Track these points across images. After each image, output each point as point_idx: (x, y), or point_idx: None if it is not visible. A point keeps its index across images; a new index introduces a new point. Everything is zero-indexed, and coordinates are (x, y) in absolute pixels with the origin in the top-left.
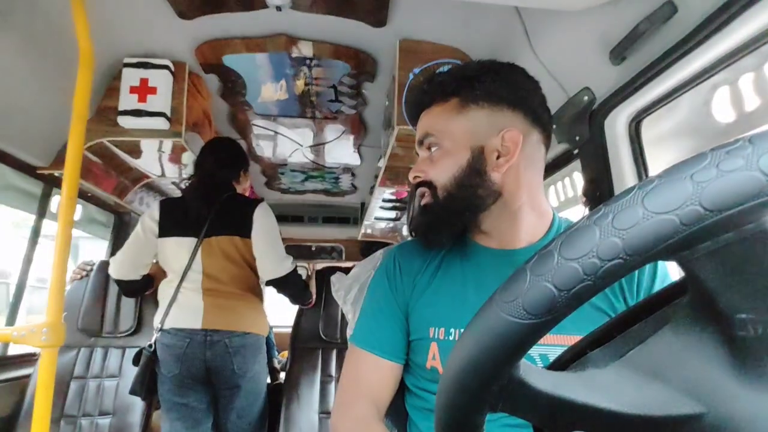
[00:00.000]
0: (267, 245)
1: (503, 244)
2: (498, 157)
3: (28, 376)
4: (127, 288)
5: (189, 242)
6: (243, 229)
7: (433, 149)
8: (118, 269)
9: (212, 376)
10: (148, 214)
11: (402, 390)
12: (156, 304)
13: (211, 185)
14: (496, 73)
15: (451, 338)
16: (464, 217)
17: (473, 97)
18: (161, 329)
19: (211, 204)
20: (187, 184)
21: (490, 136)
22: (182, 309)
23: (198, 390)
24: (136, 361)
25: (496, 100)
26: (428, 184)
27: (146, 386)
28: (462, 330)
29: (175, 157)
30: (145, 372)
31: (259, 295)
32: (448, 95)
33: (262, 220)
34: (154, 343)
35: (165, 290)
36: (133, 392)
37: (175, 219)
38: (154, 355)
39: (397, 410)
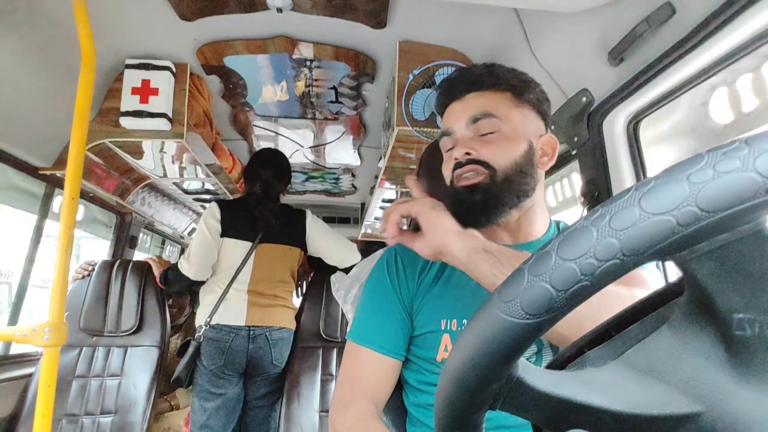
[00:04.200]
0: (333, 240)
1: (517, 237)
2: (541, 156)
3: (30, 375)
4: (192, 285)
5: (244, 246)
6: (295, 239)
7: (487, 131)
8: (196, 271)
9: (251, 367)
10: (210, 214)
11: (399, 387)
12: (158, 301)
13: (270, 196)
14: (541, 87)
15: (461, 331)
16: (517, 202)
17: (525, 98)
18: (209, 324)
19: (276, 216)
20: (248, 192)
21: (535, 136)
22: (228, 307)
23: (233, 382)
24: (181, 353)
25: (539, 108)
26: (483, 164)
27: (190, 376)
28: None
29: (177, 157)
30: (192, 361)
31: (291, 295)
32: (505, 87)
33: (315, 224)
34: (202, 336)
35: (212, 288)
36: (176, 381)
37: (235, 222)
38: (199, 347)
39: (394, 408)
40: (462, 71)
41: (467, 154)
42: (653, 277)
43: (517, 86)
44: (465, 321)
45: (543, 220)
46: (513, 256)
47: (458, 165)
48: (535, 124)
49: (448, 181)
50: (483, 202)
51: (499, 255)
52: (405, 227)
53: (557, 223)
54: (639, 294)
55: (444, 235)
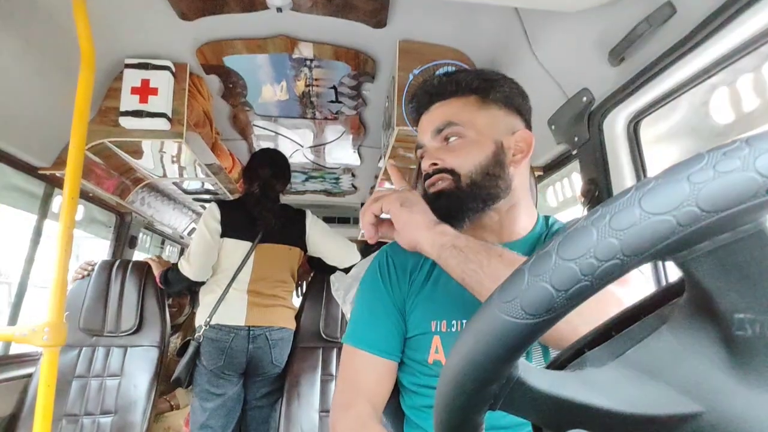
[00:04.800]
0: (332, 240)
1: (501, 237)
2: (513, 154)
3: (30, 375)
4: (192, 286)
5: (244, 246)
6: (295, 239)
7: (452, 139)
8: (196, 272)
9: (251, 367)
10: (209, 214)
11: (397, 390)
12: (157, 301)
13: (269, 196)
14: (512, 81)
15: (453, 330)
16: (484, 206)
17: (492, 98)
18: (209, 324)
19: (276, 216)
20: (247, 192)
21: (506, 134)
22: (228, 308)
23: (234, 382)
24: (181, 352)
25: (510, 105)
26: (449, 172)
27: (189, 376)
28: (464, 321)
29: (176, 157)
30: (192, 361)
31: (291, 295)
32: (467, 91)
33: (315, 224)
34: (202, 336)
35: (212, 288)
36: (176, 381)
37: (235, 222)
38: (199, 347)
39: (393, 411)
40: (425, 84)
41: (433, 164)
42: (636, 276)
43: (481, 88)
44: (455, 321)
45: (528, 218)
46: (480, 251)
47: (427, 176)
48: (505, 123)
49: (422, 192)
50: (447, 208)
51: (466, 250)
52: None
53: (546, 219)
54: (618, 292)
55: (414, 232)
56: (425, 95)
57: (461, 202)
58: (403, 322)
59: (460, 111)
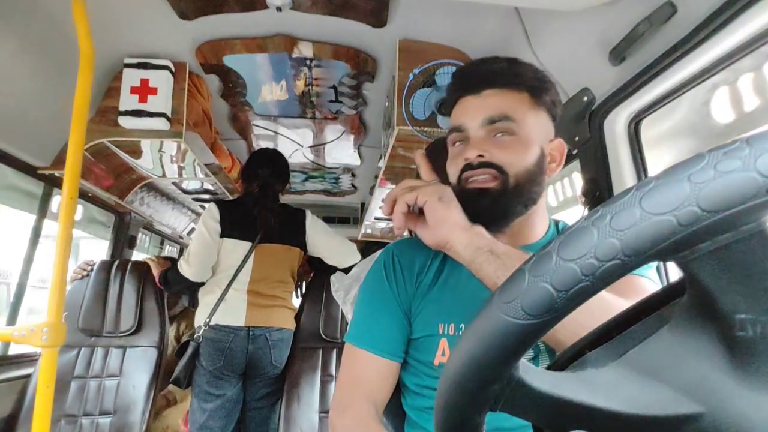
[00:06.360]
0: (332, 240)
1: (516, 240)
2: (549, 162)
3: (28, 376)
4: (191, 286)
5: (244, 246)
6: (295, 239)
7: (502, 134)
8: (196, 272)
9: (250, 368)
10: (209, 215)
11: (398, 390)
12: (157, 300)
13: (269, 196)
14: (555, 87)
15: (461, 333)
16: (524, 210)
17: (543, 100)
18: (208, 325)
19: (275, 215)
20: (246, 192)
21: (546, 141)
22: (228, 308)
23: (233, 383)
24: (180, 353)
25: (553, 111)
26: (496, 168)
27: (188, 376)
28: None
29: (176, 157)
30: (191, 362)
31: (290, 295)
32: (523, 87)
33: (315, 224)
34: (201, 336)
35: (212, 289)
36: (175, 381)
37: (234, 222)
38: (198, 347)
39: (394, 410)
40: (481, 63)
41: (480, 156)
42: (652, 288)
43: (536, 87)
44: (463, 325)
45: (543, 223)
46: (519, 259)
47: (469, 166)
48: (547, 128)
49: (454, 179)
50: (491, 209)
51: (504, 258)
52: (406, 231)
53: (556, 223)
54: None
55: (449, 231)
56: (479, 76)
57: (506, 205)
58: (408, 322)
59: (517, 106)
